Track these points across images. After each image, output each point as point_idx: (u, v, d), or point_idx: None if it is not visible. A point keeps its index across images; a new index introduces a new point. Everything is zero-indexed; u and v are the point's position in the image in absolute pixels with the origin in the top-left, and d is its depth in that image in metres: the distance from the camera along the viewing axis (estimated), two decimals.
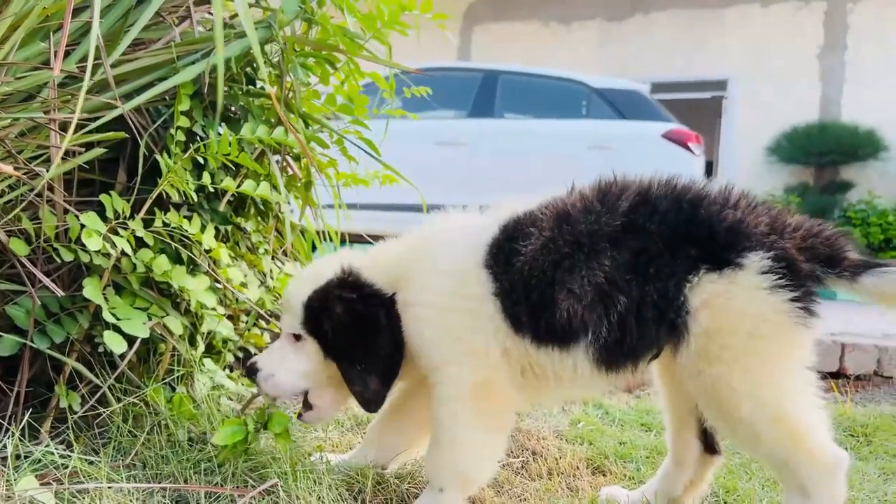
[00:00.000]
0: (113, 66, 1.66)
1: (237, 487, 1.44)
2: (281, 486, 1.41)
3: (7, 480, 1.23)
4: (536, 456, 1.86)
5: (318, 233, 2.55)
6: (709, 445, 1.62)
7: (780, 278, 1.31)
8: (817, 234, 1.38)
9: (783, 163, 11.27)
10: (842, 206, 10.90)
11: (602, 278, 1.36)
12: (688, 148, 7.71)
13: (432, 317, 1.47)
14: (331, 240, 2.58)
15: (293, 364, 1.56)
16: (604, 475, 1.81)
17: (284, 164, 2.24)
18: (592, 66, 10.98)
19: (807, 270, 1.34)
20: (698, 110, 11.91)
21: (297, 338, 1.57)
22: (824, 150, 10.78)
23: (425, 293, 1.49)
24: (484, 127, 7.91)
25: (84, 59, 1.69)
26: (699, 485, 1.64)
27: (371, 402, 1.52)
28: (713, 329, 1.32)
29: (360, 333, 1.50)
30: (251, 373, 1.57)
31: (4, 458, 1.28)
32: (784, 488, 1.41)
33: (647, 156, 7.51)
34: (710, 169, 10.45)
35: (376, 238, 6.48)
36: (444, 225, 1.60)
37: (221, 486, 1.47)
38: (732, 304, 1.32)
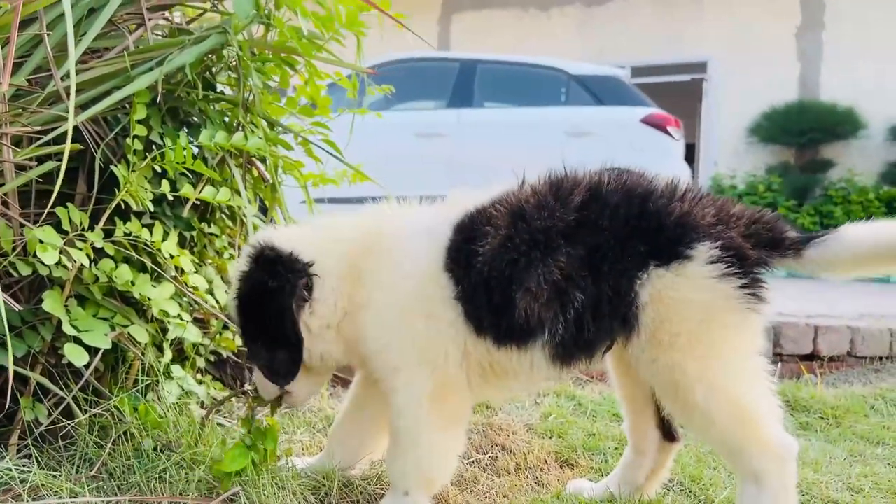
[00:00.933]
0: (66, 76, 1.65)
1: (201, 496, 1.45)
2: (243, 494, 1.42)
3: None
4: (505, 451, 1.88)
5: None
6: (667, 432, 1.65)
7: (728, 267, 1.35)
8: (759, 220, 1.42)
9: (764, 143, 11.34)
10: (823, 185, 10.98)
11: (558, 275, 1.37)
12: (667, 132, 7.74)
13: (392, 320, 1.47)
14: None
15: None
16: (571, 468, 1.84)
17: (250, 166, 2.24)
18: (572, 52, 10.98)
19: (754, 257, 1.37)
20: (679, 93, 11.94)
21: None
22: (804, 130, 10.85)
23: (385, 295, 1.49)
24: (463, 117, 7.91)
25: (36, 70, 1.69)
26: (660, 472, 1.67)
27: (279, 375, 1.52)
28: (664, 319, 1.36)
29: (262, 306, 1.49)
30: None
31: None
32: (737, 477, 1.44)
33: (626, 141, 7.54)
34: (691, 152, 10.49)
35: None
36: (400, 222, 1.58)
37: (188, 494, 1.48)
38: (682, 294, 1.35)
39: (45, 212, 1.70)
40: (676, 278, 1.35)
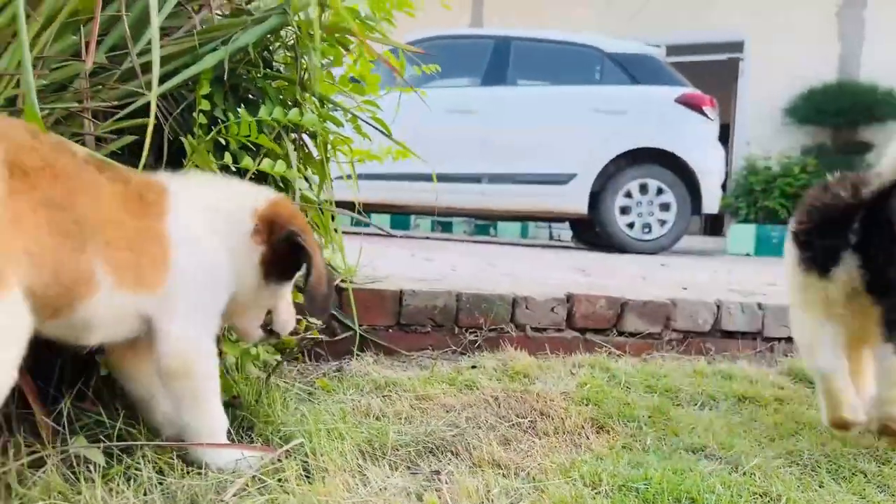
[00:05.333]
0: (139, 55, 1.75)
1: (267, 446, 1.57)
2: (307, 444, 1.54)
3: (63, 440, 1.38)
4: (543, 416, 1.98)
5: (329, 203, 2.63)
6: None
7: None
8: None
9: (800, 124, 11.19)
10: (860, 168, 10.81)
11: None
12: (702, 112, 7.70)
13: None
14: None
15: None
16: (608, 433, 1.93)
17: (300, 142, 2.34)
18: (606, 30, 10.89)
19: None
20: (714, 72, 11.79)
21: None
22: (842, 111, 10.68)
23: None
24: (497, 94, 7.92)
25: (111, 49, 1.80)
26: None
27: None
28: None
29: None
30: None
31: (60, 421, 1.42)
32: None
33: (660, 121, 7.53)
34: (725, 132, 10.41)
35: (391, 206, 6.57)
36: None
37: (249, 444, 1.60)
38: None
39: None
40: None
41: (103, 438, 1.46)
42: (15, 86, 1.58)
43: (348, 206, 2.66)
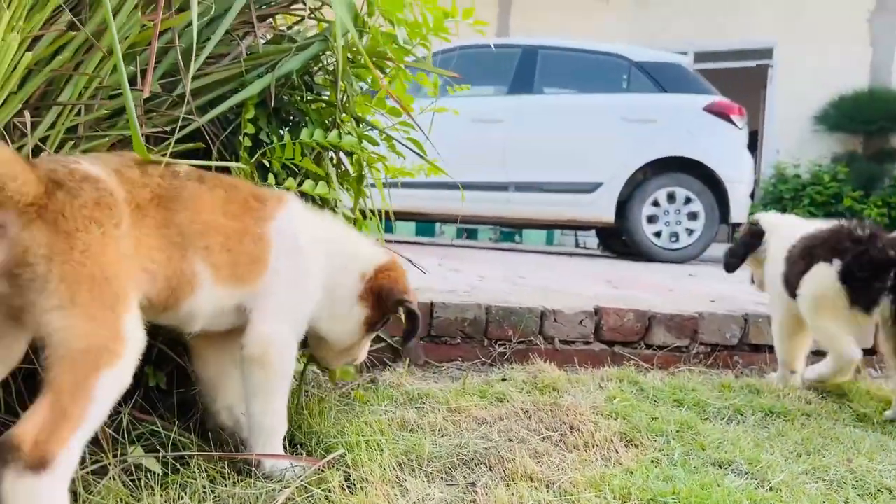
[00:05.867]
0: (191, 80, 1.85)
1: (311, 457, 1.65)
2: (348, 457, 1.62)
3: (122, 450, 1.47)
4: (573, 430, 2.03)
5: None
6: None
7: None
8: None
9: (830, 131, 11.06)
10: (891, 175, 10.67)
11: None
12: (730, 121, 7.69)
13: None
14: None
15: None
16: (636, 447, 1.98)
17: (337, 160, 2.43)
18: (633, 37, 10.89)
19: None
20: (742, 79, 11.70)
21: None
22: (873, 118, 10.56)
23: None
24: (524, 103, 7.95)
25: (162, 76, 1.89)
26: None
27: None
28: None
29: None
30: None
31: (119, 431, 1.51)
32: None
33: (689, 129, 7.52)
34: (753, 139, 10.34)
35: (417, 214, 6.68)
36: None
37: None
38: None
39: None
40: None
41: (158, 447, 1.55)
42: (76, 114, 1.69)
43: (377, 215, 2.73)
